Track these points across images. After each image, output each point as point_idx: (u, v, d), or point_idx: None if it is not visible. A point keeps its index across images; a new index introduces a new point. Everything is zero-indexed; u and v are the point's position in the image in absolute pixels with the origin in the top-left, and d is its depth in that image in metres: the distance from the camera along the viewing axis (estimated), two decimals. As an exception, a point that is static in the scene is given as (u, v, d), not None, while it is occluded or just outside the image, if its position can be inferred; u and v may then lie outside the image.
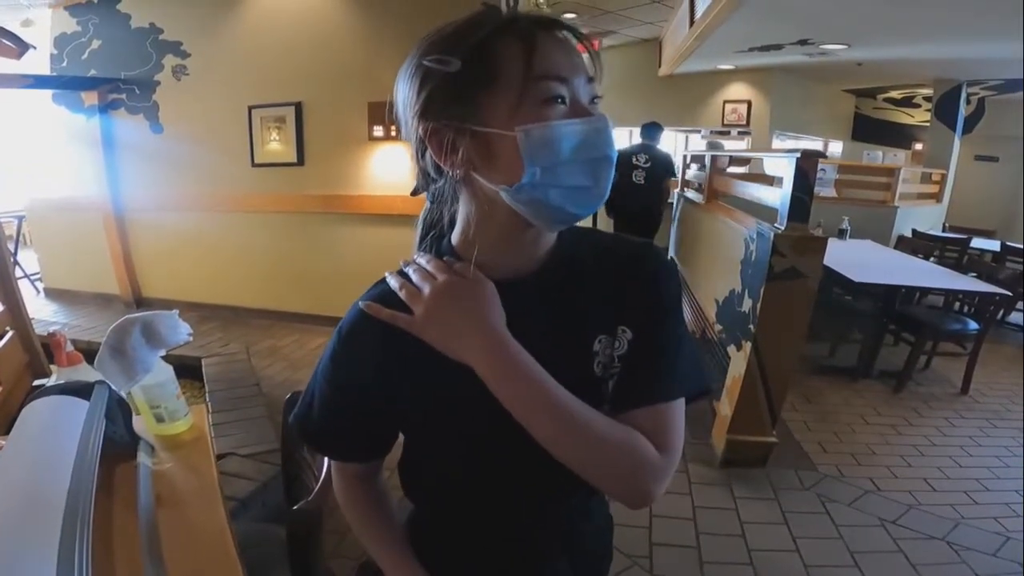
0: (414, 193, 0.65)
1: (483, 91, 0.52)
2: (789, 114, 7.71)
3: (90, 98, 4.22)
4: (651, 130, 4.88)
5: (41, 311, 4.37)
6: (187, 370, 3.02)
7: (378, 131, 3.68)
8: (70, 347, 1.19)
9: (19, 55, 3.08)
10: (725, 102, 7.70)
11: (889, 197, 5.33)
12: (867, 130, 9.26)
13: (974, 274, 3.85)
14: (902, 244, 4.94)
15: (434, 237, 0.66)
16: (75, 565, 0.60)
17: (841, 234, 4.63)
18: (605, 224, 5.22)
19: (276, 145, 3.95)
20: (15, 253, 4.88)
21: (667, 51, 6.92)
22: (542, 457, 0.55)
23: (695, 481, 2.38)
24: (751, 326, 2.34)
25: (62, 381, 1.07)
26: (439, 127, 0.54)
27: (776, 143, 7.71)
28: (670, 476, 0.59)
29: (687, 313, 3.69)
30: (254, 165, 4.04)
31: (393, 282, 0.61)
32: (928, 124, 6.98)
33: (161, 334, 1.14)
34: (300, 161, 3.93)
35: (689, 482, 2.37)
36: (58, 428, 0.87)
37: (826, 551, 2.00)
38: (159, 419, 1.16)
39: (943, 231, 6.20)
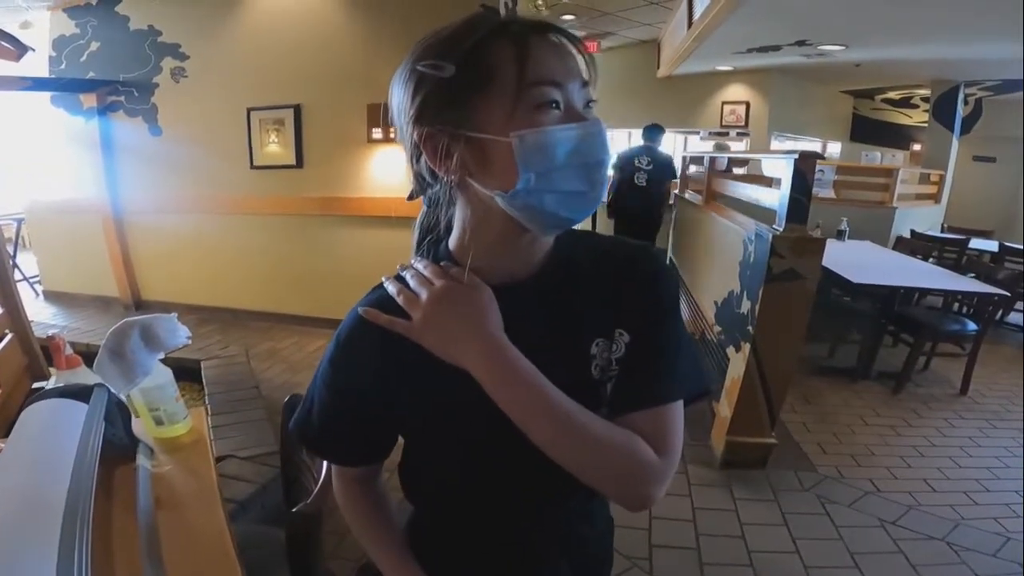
0: (410, 198, 0.65)
1: (477, 96, 0.52)
2: (787, 115, 7.73)
3: (89, 100, 4.22)
4: (653, 132, 4.89)
5: (40, 314, 4.37)
6: (186, 373, 3.02)
7: (377, 133, 3.68)
8: (69, 350, 1.19)
9: (18, 57, 3.09)
10: (723, 103, 7.72)
11: (887, 198, 5.33)
12: (865, 131, 9.29)
13: (973, 275, 3.85)
14: (901, 245, 4.94)
15: (431, 242, 0.66)
16: (75, 567, 0.60)
17: (840, 235, 4.64)
18: (606, 225, 5.22)
19: (275, 147, 3.95)
20: (14, 256, 4.87)
21: (666, 52, 6.93)
22: (540, 461, 0.55)
23: (695, 483, 2.38)
24: (750, 327, 2.34)
25: (61, 384, 1.07)
26: (434, 132, 0.54)
27: (775, 144, 7.73)
28: (669, 479, 0.58)
29: (685, 314, 3.69)
30: (253, 167, 4.04)
31: (391, 288, 0.61)
32: (926, 125, 6.99)
33: (160, 337, 1.14)
34: (299, 163, 3.93)
35: (689, 483, 2.37)
36: (57, 431, 0.87)
37: (826, 552, 2.00)
38: (158, 422, 1.16)
39: (941, 232, 6.22)
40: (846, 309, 3.99)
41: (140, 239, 4.51)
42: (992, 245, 5.38)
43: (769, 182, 2.70)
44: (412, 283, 0.60)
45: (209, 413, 2.57)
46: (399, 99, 0.57)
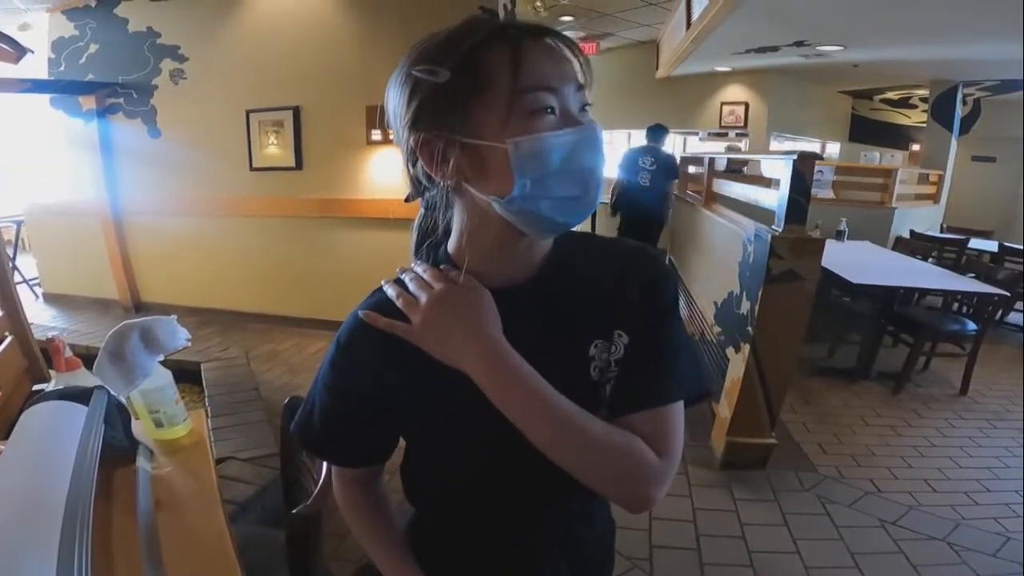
0: (408, 200, 0.65)
1: (473, 102, 0.52)
2: (786, 116, 7.74)
3: (88, 102, 4.22)
4: (656, 132, 4.94)
5: (40, 316, 4.36)
6: (186, 375, 3.02)
7: (376, 135, 3.68)
8: (69, 352, 1.19)
9: (17, 59, 3.08)
10: (722, 104, 7.73)
11: (887, 198, 5.34)
12: (864, 131, 9.30)
13: (972, 274, 3.85)
14: (900, 245, 4.94)
15: (430, 245, 0.66)
16: (75, 569, 0.60)
17: (839, 235, 4.64)
18: (607, 225, 5.23)
19: (274, 149, 3.95)
20: (14, 258, 4.87)
21: (664, 53, 6.94)
22: (540, 463, 0.55)
23: (695, 483, 2.38)
24: (749, 328, 2.34)
25: (61, 386, 1.07)
26: (430, 138, 0.54)
27: (774, 144, 7.74)
28: (670, 480, 0.58)
29: (685, 315, 3.69)
30: (252, 169, 4.03)
31: (390, 291, 0.62)
32: (925, 125, 7.00)
33: (160, 339, 1.14)
34: (298, 165, 3.93)
35: (689, 484, 2.37)
36: (57, 433, 0.87)
37: (827, 552, 2.00)
38: (158, 424, 1.16)
39: (941, 232, 6.22)
40: (846, 309, 3.99)
41: (140, 241, 4.51)
42: (992, 245, 5.38)
43: (768, 183, 2.70)
44: (411, 286, 0.60)
45: (209, 415, 2.58)
46: (395, 104, 0.57)
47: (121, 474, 0.99)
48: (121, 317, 2.03)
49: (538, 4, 5.58)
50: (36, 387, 1.18)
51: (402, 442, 0.70)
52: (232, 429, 2.50)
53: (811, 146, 8.25)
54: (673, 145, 8.05)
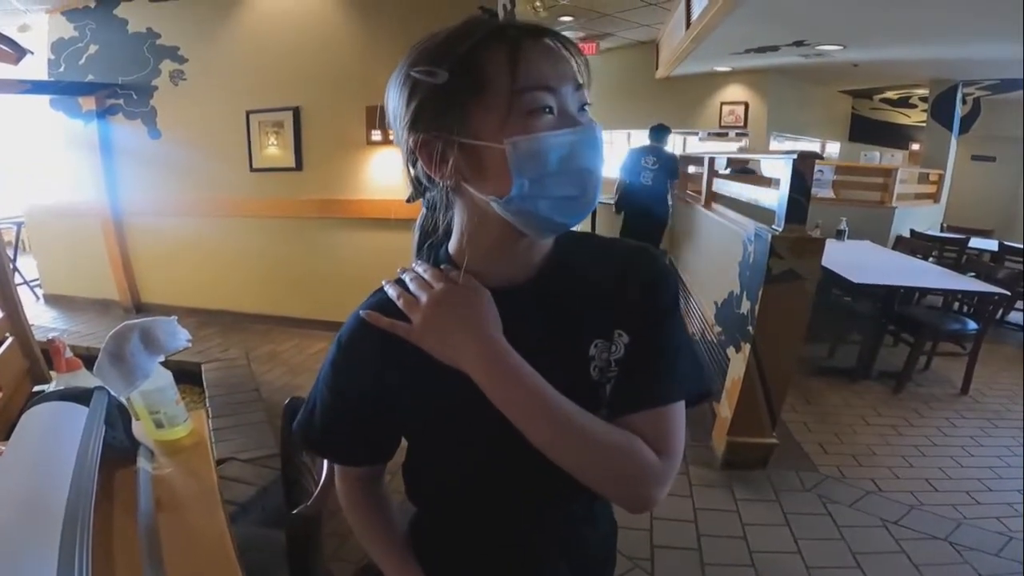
0: (409, 200, 0.65)
1: (471, 103, 0.52)
2: (786, 115, 7.74)
3: (88, 103, 4.22)
4: (659, 132, 4.96)
5: (40, 317, 4.36)
6: (186, 375, 3.02)
7: (376, 135, 3.68)
8: (69, 353, 1.18)
9: (16, 60, 3.08)
10: (722, 104, 7.73)
11: (887, 198, 5.34)
12: (864, 131, 9.30)
13: (973, 274, 3.85)
14: (900, 244, 4.94)
15: (431, 245, 0.67)
16: (75, 570, 0.60)
17: (839, 235, 4.64)
18: (609, 223, 5.24)
19: (274, 150, 3.95)
20: (14, 259, 4.88)
21: (664, 53, 6.94)
22: (540, 463, 0.55)
23: (696, 483, 2.38)
24: (750, 328, 2.34)
25: (62, 387, 1.07)
26: (429, 139, 0.54)
27: (774, 144, 7.74)
28: (671, 480, 0.58)
29: (685, 315, 3.69)
30: (252, 170, 4.03)
31: (391, 291, 0.62)
32: (924, 124, 7.00)
33: (160, 340, 1.14)
34: (298, 166, 3.93)
35: (690, 484, 2.37)
36: (58, 434, 0.87)
37: (828, 552, 1.99)
38: (158, 424, 1.16)
39: (941, 231, 6.22)
40: (846, 309, 3.99)
41: (140, 242, 4.51)
42: (992, 244, 5.38)
43: (768, 182, 2.70)
44: (412, 286, 0.60)
45: (209, 416, 2.58)
46: (394, 104, 0.57)
47: (122, 475, 0.99)
48: (121, 318, 2.03)
49: (538, 4, 5.58)
50: (37, 388, 1.18)
51: (405, 441, 0.70)
52: (233, 430, 2.50)
53: (811, 146, 8.26)
54: (672, 145, 8.06)
